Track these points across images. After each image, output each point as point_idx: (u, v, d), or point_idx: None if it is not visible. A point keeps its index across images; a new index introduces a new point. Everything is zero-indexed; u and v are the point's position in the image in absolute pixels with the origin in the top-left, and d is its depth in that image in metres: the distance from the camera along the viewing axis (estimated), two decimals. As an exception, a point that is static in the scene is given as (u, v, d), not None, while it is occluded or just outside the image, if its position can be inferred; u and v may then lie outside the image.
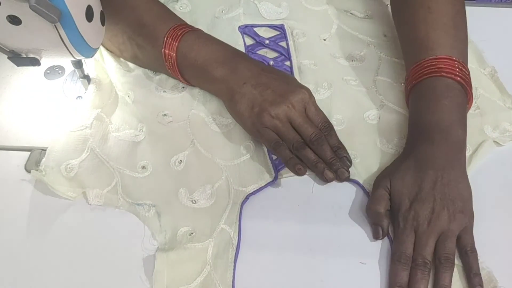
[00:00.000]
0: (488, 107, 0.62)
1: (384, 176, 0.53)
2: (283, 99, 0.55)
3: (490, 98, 0.63)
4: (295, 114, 0.55)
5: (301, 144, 0.54)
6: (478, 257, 0.49)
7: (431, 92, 0.54)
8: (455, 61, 0.55)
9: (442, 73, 0.54)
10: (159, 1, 0.63)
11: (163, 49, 0.58)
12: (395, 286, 0.47)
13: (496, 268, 0.49)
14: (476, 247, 0.49)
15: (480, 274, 0.47)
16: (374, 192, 0.53)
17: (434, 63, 0.55)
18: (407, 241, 0.49)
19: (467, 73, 0.56)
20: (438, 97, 0.54)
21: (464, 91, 0.55)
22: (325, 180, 0.54)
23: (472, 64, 0.67)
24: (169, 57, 0.58)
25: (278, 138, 0.54)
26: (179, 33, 0.58)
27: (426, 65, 0.56)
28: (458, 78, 0.54)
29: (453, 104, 0.53)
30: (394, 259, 0.49)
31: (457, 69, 0.55)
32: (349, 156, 0.55)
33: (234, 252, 0.49)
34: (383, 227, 0.51)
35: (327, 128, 0.56)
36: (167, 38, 0.58)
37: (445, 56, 0.55)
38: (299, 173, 0.52)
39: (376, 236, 0.51)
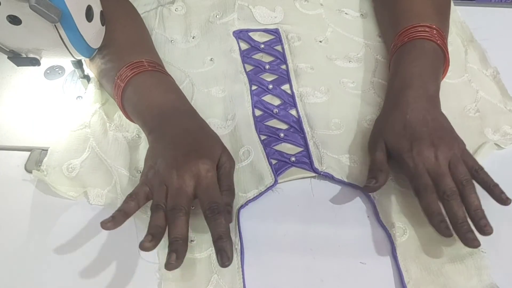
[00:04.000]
0: (488, 110, 0.62)
1: (376, 138, 0.55)
2: (178, 166, 0.49)
3: (491, 100, 0.63)
4: (174, 183, 0.48)
5: (157, 207, 0.47)
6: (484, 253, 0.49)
7: (416, 50, 0.59)
8: (435, 29, 0.60)
9: (427, 37, 0.59)
10: (137, 26, 0.63)
11: (116, 79, 0.56)
12: (435, 213, 0.48)
13: (497, 270, 0.48)
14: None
15: (498, 184, 0.50)
16: (372, 156, 0.54)
17: (420, 29, 0.60)
18: (423, 174, 0.50)
19: (446, 42, 0.61)
20: (422, 54, 0.58)
21: (443, 56, 0.60)
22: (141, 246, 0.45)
23: (474, 65, 0.67)
24: (117, 89, 0.56)
25: (160, 200, 0.48)
26: (129, 74, 0.55)
27: (413, 30, 0.60)
28: (439, 42, 0.59)
29: (434, 62, 0.59)
30: (421, 193, 0.49)
31: (437, 36, 0.59)
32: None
33: (239, 257, 0.49)
34: (377, 178, 0.51)
35: (214, 210, 0.46)
36: (121, 73, 0.56)
37: (427, 24, 0.60)
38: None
39: (368, 183, 0.52)
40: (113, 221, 0.45)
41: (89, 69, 0.62)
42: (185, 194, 0.47)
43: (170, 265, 0.44)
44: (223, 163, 0.51)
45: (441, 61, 0.59)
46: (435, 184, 0.50)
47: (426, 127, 0.52)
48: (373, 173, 0.52)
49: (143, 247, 0.44)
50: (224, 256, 0.44)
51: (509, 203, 0.49)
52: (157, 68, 0.58)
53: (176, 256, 0.44)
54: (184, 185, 0.48)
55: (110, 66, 0.57)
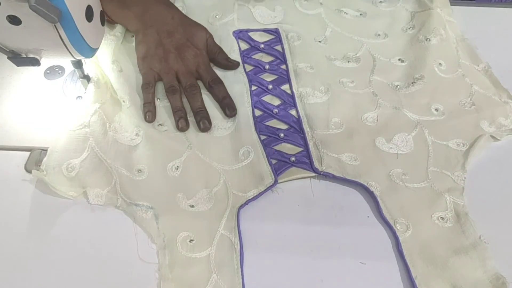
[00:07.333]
0: (484, 103, 0.62)
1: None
2: (177, 51, 0.61)
3: (485, 94, 0.63)
4: (181, 67, 0.61)
5: (173, 89, 0.60)
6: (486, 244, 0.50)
7: None
8: None
9: None
10: None
11: None
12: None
13: (501, 261, 0.49)
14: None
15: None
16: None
17: None
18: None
19: None
20: None
21: None
22: (177, 127, 0.59)
23: (465, 61, 0.68)
24: None
25: (175, 82, 0.61)
26: None
27: None
28: None
29: None
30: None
31: None
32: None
33: (239, 257, 0.49)
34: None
35: (215, 80, 0.61)
36: None
37: None
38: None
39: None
40: (151, 114, 0.59)
41: None
42: (194, 74, 0.62)
43: (206, 128, 0.58)
44: (210, 45, 0.64)
45: None
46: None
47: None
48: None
49: (182, 128, 0.58)
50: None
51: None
52: None
53: (208, 121, 0.58)
54: (190, 67, 0.61)
55: None
